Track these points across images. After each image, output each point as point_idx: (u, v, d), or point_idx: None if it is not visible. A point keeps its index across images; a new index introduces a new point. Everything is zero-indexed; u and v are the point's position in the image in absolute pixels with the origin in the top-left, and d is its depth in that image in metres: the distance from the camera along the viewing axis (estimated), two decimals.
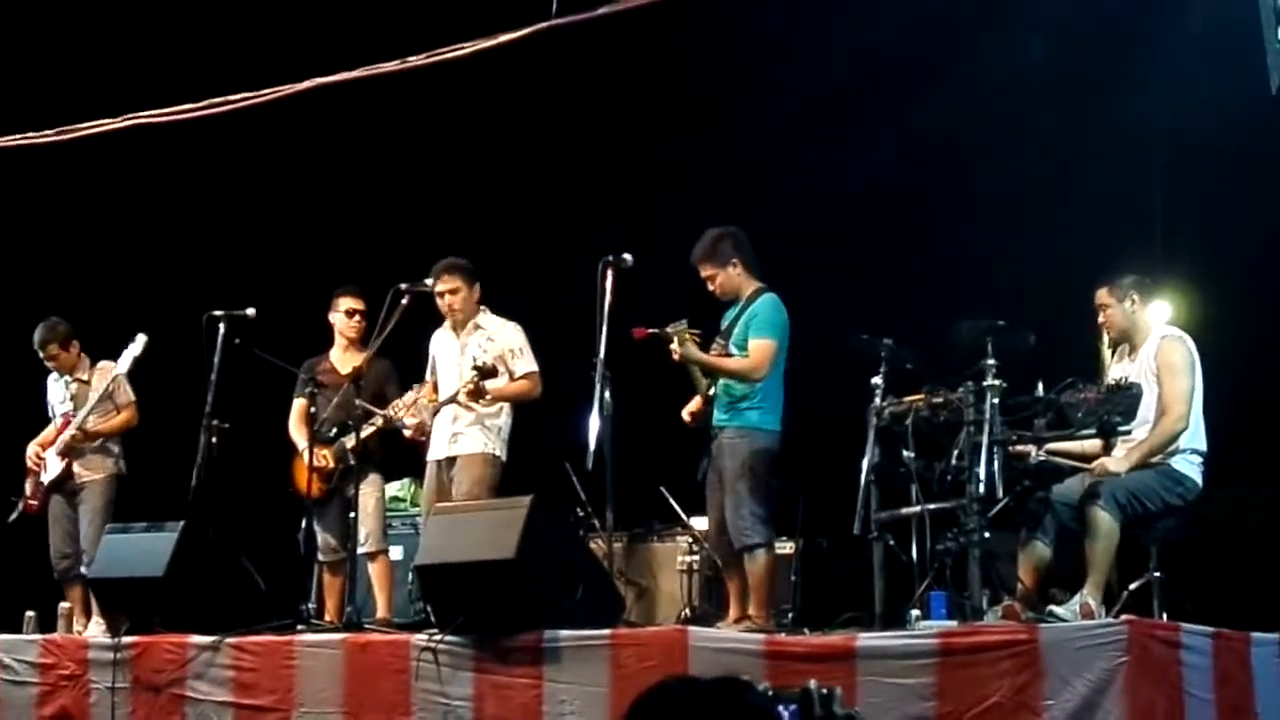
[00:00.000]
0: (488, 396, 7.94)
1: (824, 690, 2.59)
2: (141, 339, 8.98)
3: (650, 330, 7.46)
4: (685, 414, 7.60)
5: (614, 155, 11.03)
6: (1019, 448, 6.65)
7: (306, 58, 8.57)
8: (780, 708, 2.59)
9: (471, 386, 7.85)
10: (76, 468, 9.10)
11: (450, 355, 8.23)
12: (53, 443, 9.18)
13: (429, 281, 8.15)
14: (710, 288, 7.61)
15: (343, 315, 8.72)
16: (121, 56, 10.84)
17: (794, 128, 10.33)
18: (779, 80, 10.34)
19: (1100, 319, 7.11)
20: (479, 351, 8.07)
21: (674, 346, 7.41)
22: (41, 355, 9.24)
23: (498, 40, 7.60)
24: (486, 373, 7.84)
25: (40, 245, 11.47)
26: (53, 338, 9.21)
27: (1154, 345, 6.89)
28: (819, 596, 7.89)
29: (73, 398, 9.22)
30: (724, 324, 7.66)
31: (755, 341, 7.41)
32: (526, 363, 8.12)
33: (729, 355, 7.47)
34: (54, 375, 9.37)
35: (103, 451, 9.17)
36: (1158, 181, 9.78)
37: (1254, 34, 6.62)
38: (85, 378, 9.24)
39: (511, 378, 8.09)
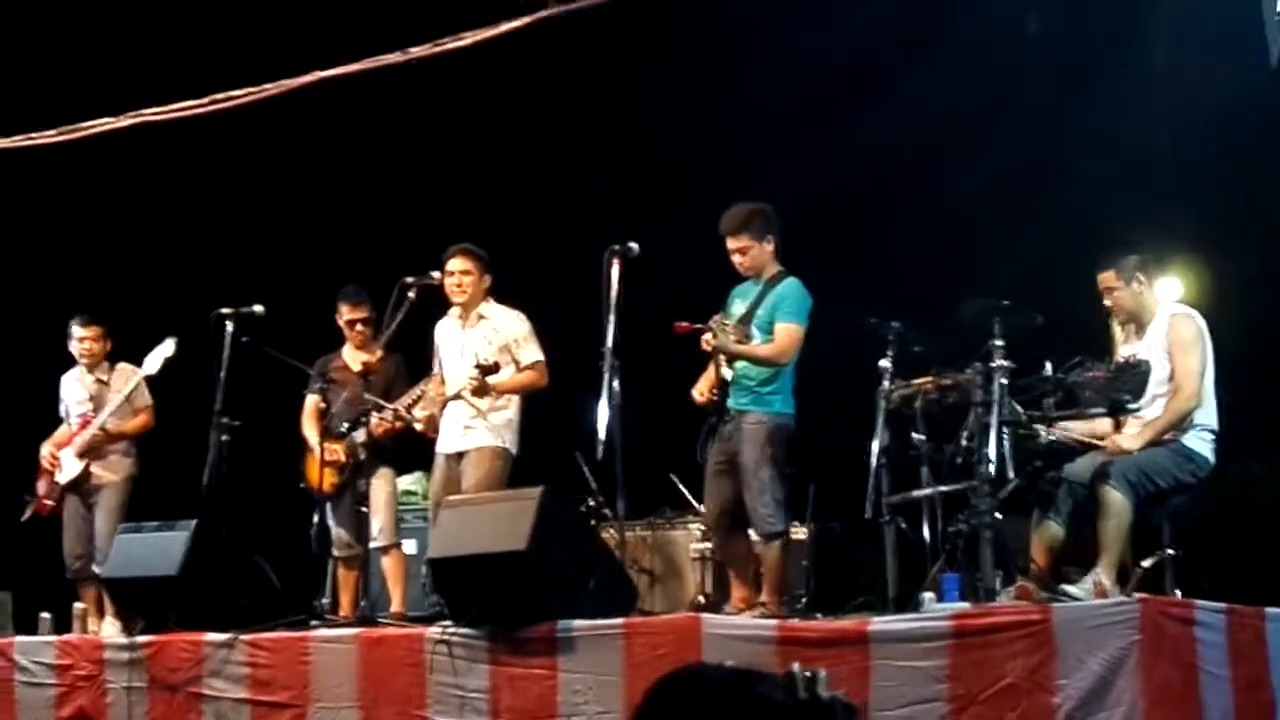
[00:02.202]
0: (493, 391, 7.93)
1: (808, 673, 2.59)
2: (171, 342, 8.98)
3: (695, 326, 7.42)
4: (696, 393, 7.55)
5: (618, 142, 11.03)
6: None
7: (309, 51, 8.56)
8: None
9: (475, 384, 7.82)
10: (95, 468, 9.10)
11: (454, 347, 8.20)
12: (68, 443, 9.18)
13: (435, 275, 8.14)
14: (739, 260, 7.48)
15: (344, 325, 8.73)
16: (122, 54, 10.84)
17: (798, 110, 10.31)
18: (782, 62, 10.32)
19: (1106, 301, 7.06)
20: (483, 344, 8.03)
21: (707, 337, 7.36)
22: (80, 335, 9.19)
23: (500, 29, 7.58)
24: (489, 370, 7.80)
25: (46, 246, 11.49)
26: (97, 321, 9.21)
27: (1164, 322, 6.86)
28: (831, 581, 7.89)
29: (92, 398, 9.23)
30: (735, 302, 7.59)
31: (784, 326, 7.35)
32: (532, 352, 8.10)
33: (751, 338, 7.44)
34: (71, 374, 9.37)
35: (121, 453, 9.18)
36: (1164, 155, 9.75)
37: (1254, 5, 6.59)
38: (105, 378, 9.26)
39: (518, 367, 8.08)
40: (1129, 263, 6.96)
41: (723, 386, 7.44)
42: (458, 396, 8.00)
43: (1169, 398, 6.69)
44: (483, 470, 7.93)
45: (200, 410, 8.63)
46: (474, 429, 8.03)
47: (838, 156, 10.01)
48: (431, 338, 8.38)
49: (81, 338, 9.21)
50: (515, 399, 8.11)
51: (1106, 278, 6.99)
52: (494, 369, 7.82)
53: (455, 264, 8.10)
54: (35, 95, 10.12)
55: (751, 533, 7.48)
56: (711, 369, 7.48)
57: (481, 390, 7.85)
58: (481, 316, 8.18)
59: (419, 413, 8.26)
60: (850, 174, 9.98)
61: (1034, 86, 9.95)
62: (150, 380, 9.12)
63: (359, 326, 8.67)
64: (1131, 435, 6.65)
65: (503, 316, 8.18)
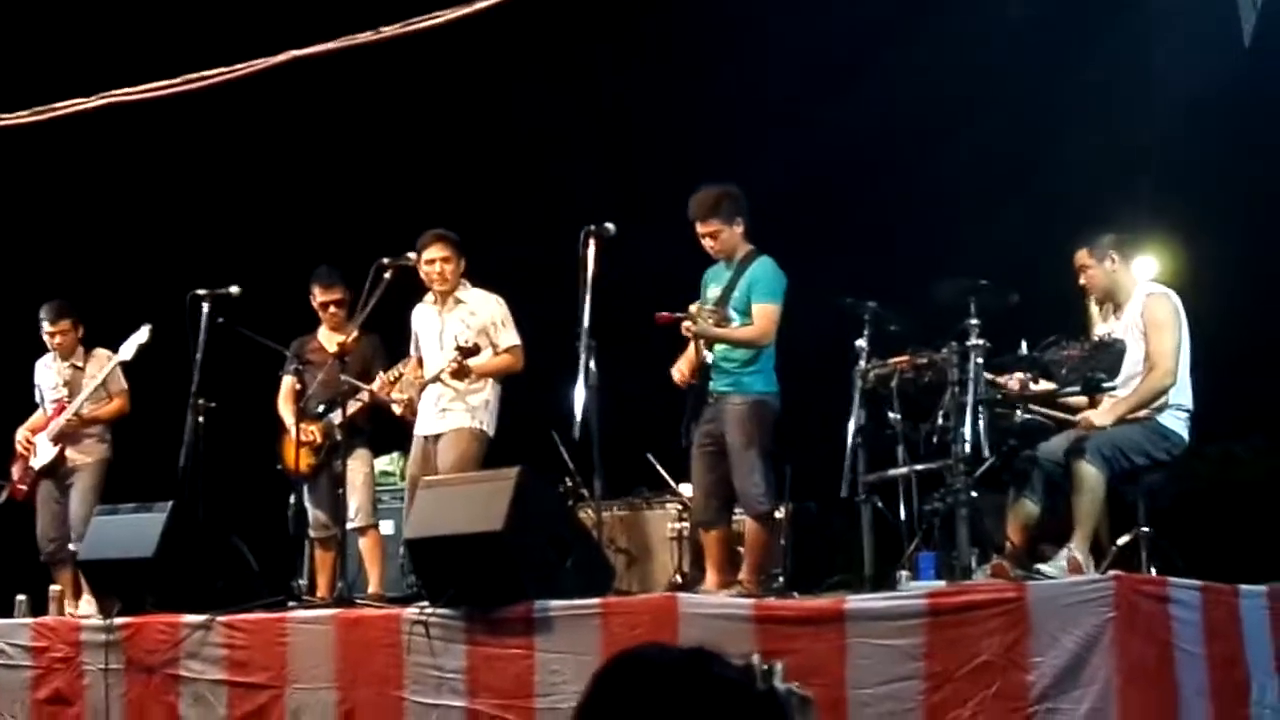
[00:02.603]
0: (472, 375, 7.92)
1: (764, 665, 2.61)
2: (146, 329, 8.96)
3: (675, 315, 7.42)
4: (675, 372, 7.56)
5: (594, 123, 11.00)
6: (1008, 382, 6.64)
7: (282, 31, 8.51)
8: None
9: (455, 366, 7.82)
10: (69, 452, 9.09)
11: (432, 331, 8.20)
12: (43, 428, 9.16)
13: (411, 255, 8.12)
14: (709, 244, 7.51)
15: (318, 307, 8.70)
16: (94, 34, 10.78)
17: (773, 90, 10.29)
18: (760, 44, 10.30)
19: (1081, 280, 7.09)
20: (461, 328, 8.04)
21: (687, 324, 7.37)
22: (50, 331, 9.18)
23: (474, 8, 7.53)
24: (469, 352, 7.80)
25: (18, 229, 11.41)
26: (66, 314, 9.19)
27: (1139, 302, 6.88)
28: (808, 560, 7.90)
29: (66, 383, 9.20)
30: (709, 285, 7.60)
31: (761, 306, 7.37)
32: (509, 336, 8.11)
33: (729, 321, 7.44)
34: (45, 360, 9.35)
35: (95, 437, 9.17)
36: (1141, 136, 9.76)
37: None
38: (80, 364, 9.23)
39: (495, 351, 8.07)
40: (1103, 241, 6.99)
41: (704, 369, 7.45)
42: (436, 379, 7.99)
43: (1144, 375, 6.71)
44: (459, 451, 7.93)
45: (177, 392, 8.60)
46: (451, 411, 8.04)
47: (816, 137, 10.01)
48: (408, 319, 8.36)
49: (50, 333, 9.19)
50: (492, 381, 8.12)
51: (1080, 256, 7.03)
52: (474, 351, 7.83)
53: (433, 252, 8.09)
54: (6, 75, 10.05)
55: (736, 514, 7.49)
56: (691, 350, 7.49)
57: (461, 372, 7.85)
58: (459, 300, 8.17)
59: (397, 395, 8.25)
60: (828, 154, 9.97)
61: (1013, 69, 9.94)
62: (126, 364, 9.09)
63: (332, 308, 8.65)
64: (1104, 410, 6.67)
65: (480, 300, 8.18)
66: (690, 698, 2.33)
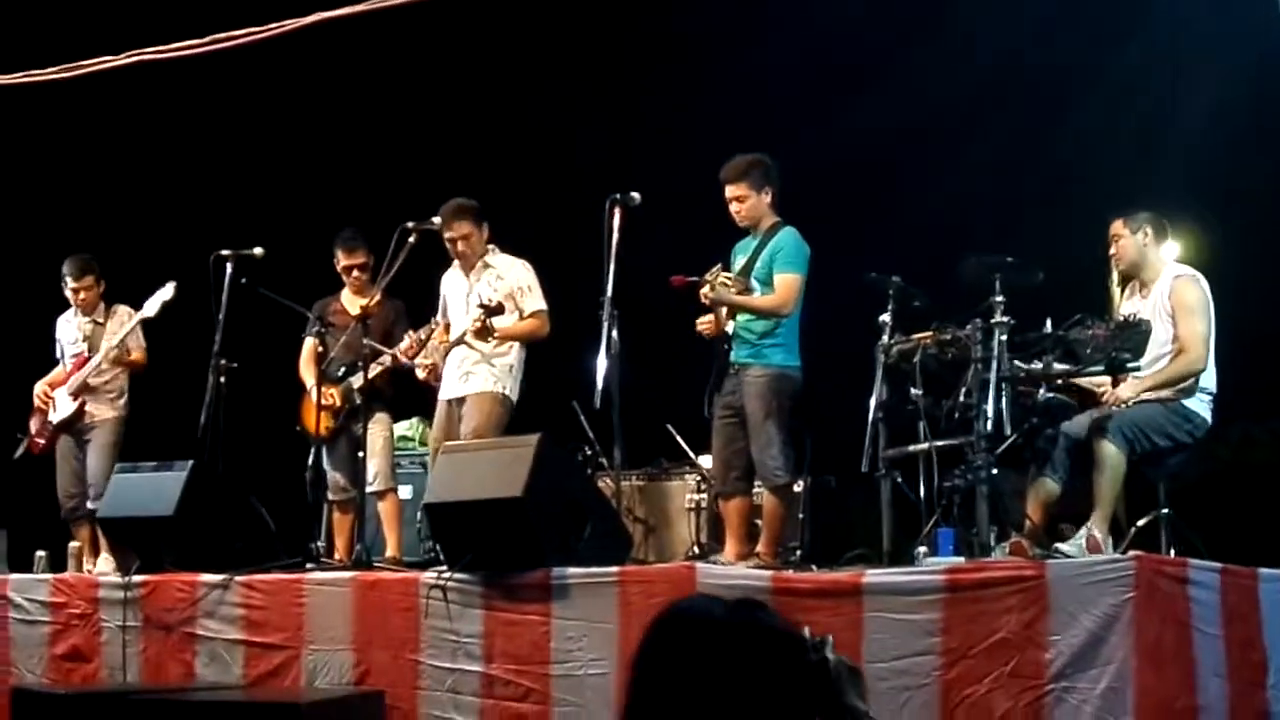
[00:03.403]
0: (495, 335, 7.92)
1: (817, 637, 2.67)
2: (171, 286, 8.96)
3: (690, 279, 7.41)
4: (700, 324, 7.53)
5: (623, 91, 10.97)
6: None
7: None
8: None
9: (479, 325, 7.84)
10: (89, 406, 9.11)
11: (460, 295, 8.22)
12: (62, 383, 9.19)
13: (436, 220, 8.12)
14: (736, 209, 7.49)
15: (341, 271, 8.71)
16: None
17: (801, 66, 10.25)
18: (790, 25, 10.27)
19: (1111, 250, 7.10)
20: (488, 290, 8.05)
21: (705, 290, 7.37)
22: (74, 286, 9.20)
23: None
24: (493, 310, 7.82)
25: (44, 186, 11.44)
26: (90, 270, 9.22)
27: (1167, 284, 6.88)
28: (827, 534, 7.90)
29: (86, 339, 9.22)
30: (737, 257, 7.60)
31: (783, 276, 7.35)
32: (535, 300, 8.10)
33: (751, 291, 7.43)
34: (66, 315, 9.38)
35: (114, 393, 9.19)
36: (1170, 118, 9.71)
37: None
38: (101, 320, 9.26)
39: (520, 315, 8.08)
40: (1140, 216, 7.04)
41: (726, 338, 7.44)
42: (461, 340, 8.01)
43: (1173, 357, 6.72)
44: (482, 415, 7.94)
45: (198, 351, 8.62)
46: (475, 374, 8.05)
47: (844, 113, 9.98)
48: (431, 283, 8.37)
49: (74, 289, 9.21)
50: (517, 346, 8.12)
51: (1115, 225, 7.07)
52: (499, 309, 7.83)
53: (452, 231, 8.09)
54: (35, 32, 10.05)
55: (757, 486, 7.50)
56: (712, 316, 7.49)
57: (484, 331, 7.85)
58: (487, 265, 8.18)
59: (421, 360, 8.26)
60: (856, 131, 9.93)
61: (1042, 51, 9.90)
62: (149, 322, 9.10)
63: (355, 272, 8.66)
64: (1128, 384, 6.67)
65: (507, 265, 8.19)
66: (741, 646, 2.45)
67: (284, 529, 8.31)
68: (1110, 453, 6.42)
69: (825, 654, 2.66)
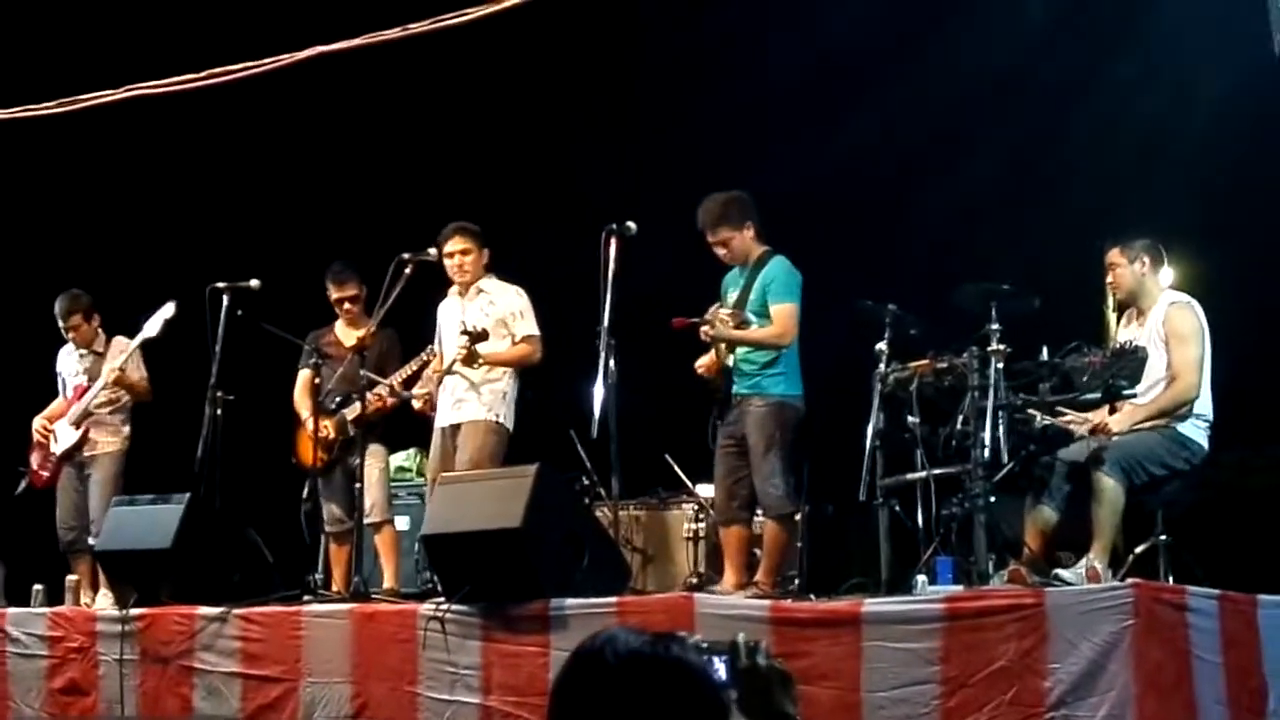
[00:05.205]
0: (481, 360, 7.90)
1: (751, 642, 2.68)
2: (171, 305, 8.94)
3: (691, 320, 7.43)
4: (698, 367, 7.56)
5: (618, 120, 10.99)
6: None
7: (308, 26, 8.52)
8: (715, 659, 2.79)
9: (464, 351, 7.83)
10: (93, 434, 9.09)
11: (454, 322, 8.21)
12: (61, 415, 9.17)
13: (432, 251, 8.13)
14: (721, 253, 7.55)
15: (334, 304, 8.72)
16: (120, 27, 10.80)
17: (792, 89, 10.28)
18: (783, 45, 10.29)
19: (1108, 279, 7.11)
20: (479, 315, 8.05)
21: (705, 329, 7.39)
22: (63, 325, 9.22)
23: (500, 6, 7.54)
24: (476, 336, 7.81)
25: (43, 219, 11.46)
26: (77, 308, 9.22)
27: (1162, 311, 6.89)
28: (825, 563, 7.88)
29: (86, 370, 9.22)
30: (728, 289, 7.63)
31: (778, 307, 7.37)
32: (527, 326, 8.10)
33: (748, 324, 7.44)
34: (67, 348, 9.38)
35: (118, 422, 9.17)
36: (1165, 144, 9.72)
37: None
38: (101, 350, 9.25)
39: (513, 341, 8.08)
40: (1136, 244, 7.04)
41: (727, 372, 7.45)
42: (450, 369, 8.01)
43: (1167, 384, 6.72)
44: (476, 443, 7.92)
45: (195, 384, 8.62)
46: (467, 402, 8.03)
47: (838, 140, 9.98)
48: (427, 315, 8.37)
49: (65, 328, 9.22)
50: (510, 373, 8.10)
51: (1112, 254, 7.06)
52: (482, 336, 7.82)
53: (454, 245, 8.11)
54: (33, 67, 10.08)
55: (758, 516, 7.49)
56: (712, 353, 7.50)
57: (470, 358, 7.84)
58: (480, 290, 8.19)
59: (418, 390, 8.26)
60: (850, 158, 9.95)
61: (1036, 74, 9.92)
62: (150, 346, 9.07)
63: (347, 305, 8.67)
64: (1121, 416, 6.67)
65: (501, 291, 8.19)
66: (649, 680, 2.47)
67: (281, 561, 8.30)
68: (1108, 485, 6.42)
69: (756, 660, 2.74)
